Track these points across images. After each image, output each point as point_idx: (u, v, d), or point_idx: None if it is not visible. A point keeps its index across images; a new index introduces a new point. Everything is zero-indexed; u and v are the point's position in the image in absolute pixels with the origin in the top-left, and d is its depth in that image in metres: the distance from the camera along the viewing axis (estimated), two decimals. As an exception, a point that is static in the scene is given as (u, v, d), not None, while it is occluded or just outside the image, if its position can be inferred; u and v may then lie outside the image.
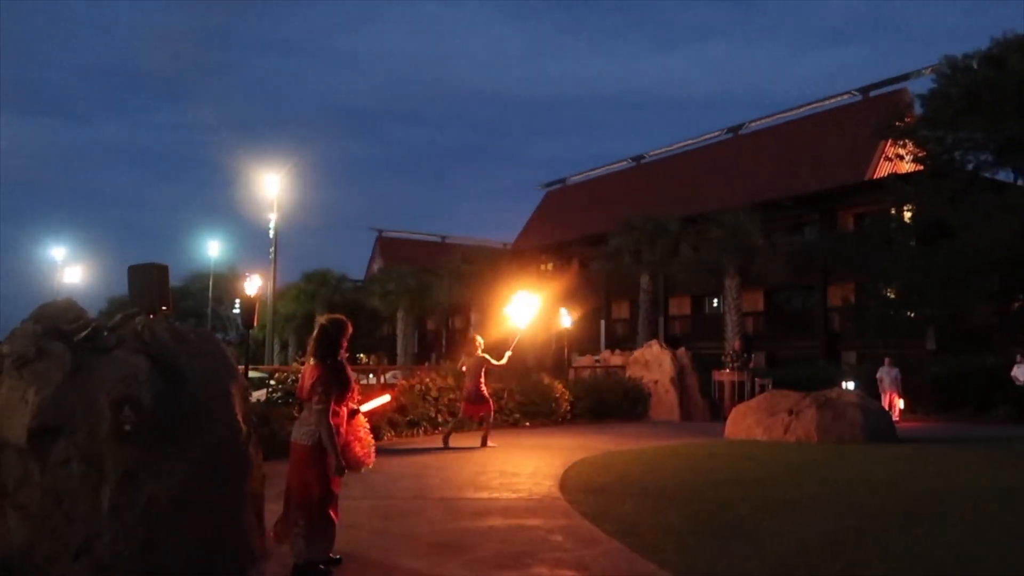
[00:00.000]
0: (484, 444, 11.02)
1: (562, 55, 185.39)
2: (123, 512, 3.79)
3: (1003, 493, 7.65)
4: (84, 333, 4.17)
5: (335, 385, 4.33)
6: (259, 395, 11.04)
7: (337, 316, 4.66)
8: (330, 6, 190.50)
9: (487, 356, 11.26)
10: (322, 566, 4.38)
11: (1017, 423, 16.98)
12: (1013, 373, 17.72)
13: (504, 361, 11.48)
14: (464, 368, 11.54)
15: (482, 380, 11.12)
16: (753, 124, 40.21)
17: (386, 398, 5.34)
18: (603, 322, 33.39)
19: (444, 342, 46.24)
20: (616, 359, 21.50)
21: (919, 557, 5.02)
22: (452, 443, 11.01)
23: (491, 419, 11.42)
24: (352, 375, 4.58)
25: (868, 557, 4.99)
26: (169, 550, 3.87)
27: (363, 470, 4.66)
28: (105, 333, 4.24)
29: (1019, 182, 22.47)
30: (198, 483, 4.05)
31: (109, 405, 3.86)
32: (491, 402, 11.38)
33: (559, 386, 15.80)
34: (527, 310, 11.97)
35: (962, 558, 5.00)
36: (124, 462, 3.85)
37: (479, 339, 11.48)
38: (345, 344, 4.51)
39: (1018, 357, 18.27)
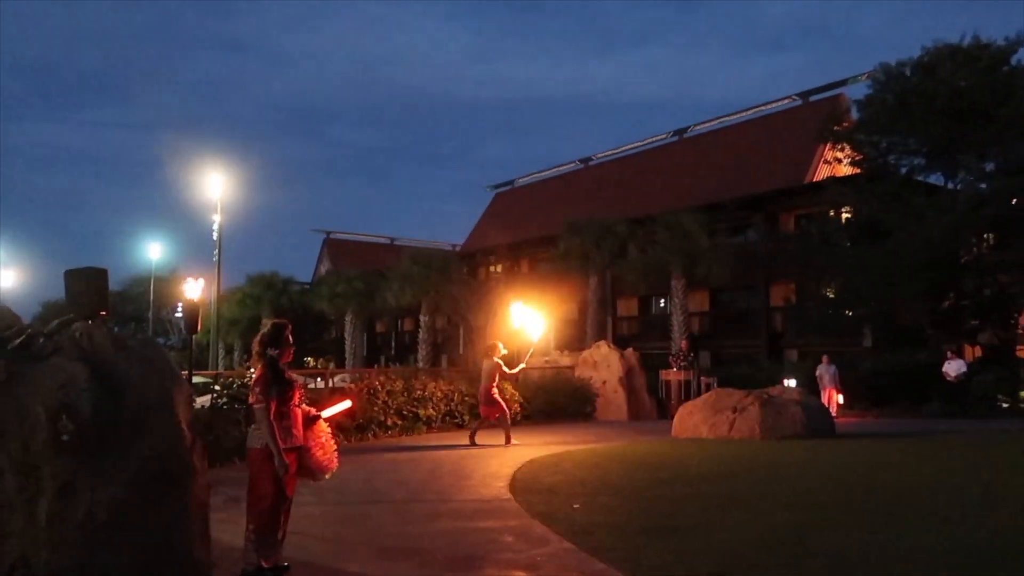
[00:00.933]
0: (508, 442, 11.67)
1: (508, 57, 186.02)
2: (61, 525, 3.68)
3: (936, 485, 7.97)
4: (18, 340, 4.03)
5: (272, 385, 4.34)
6: (203, 401, 10.81)
7: (277, 319, 4.72)
8: (274, 5, 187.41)
9: (501, 363, 11.97)
10: (270, 573, 4.33)
11: (948, 417, 17.68)
12: (944, 368, 18.43)
13: (517, 371, 12.58)
14: (481, 370, 12.31)
15: (495, 384, 11.88)
16: (697, 127, 40.97)
17: (347, 403, 5.29)
18: (552, 323, 33.59)
19: (394, 344, 45.90)
20: (565, 360, 21.65)
21: (858, 548, 5.20)
22: (451, 440, 12.07)
23: (507, 420, 12.12)
24: (296, 376, 4.58)
25: (810, 550, 5.15)
26: (109, 563, 3.77)
27: (327, 476, 4.63)
28: (41, 340, 4.10)
29: (949, 185, 23.38)
30: (139, 493, 3.95)
31: (46, 414, 3.74)
32: (502, 404, 12.11)
33: (509, 387, 15.84)
34: (538, 324, 12.60)
35: (899, 548, 5.19)
36: (62, 473, 3.74)
37: (501, 346, 12.24)
38: (285, 345, 4.53)
39: (948, 353, 19.01)
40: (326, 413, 4.74)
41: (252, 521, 4.28)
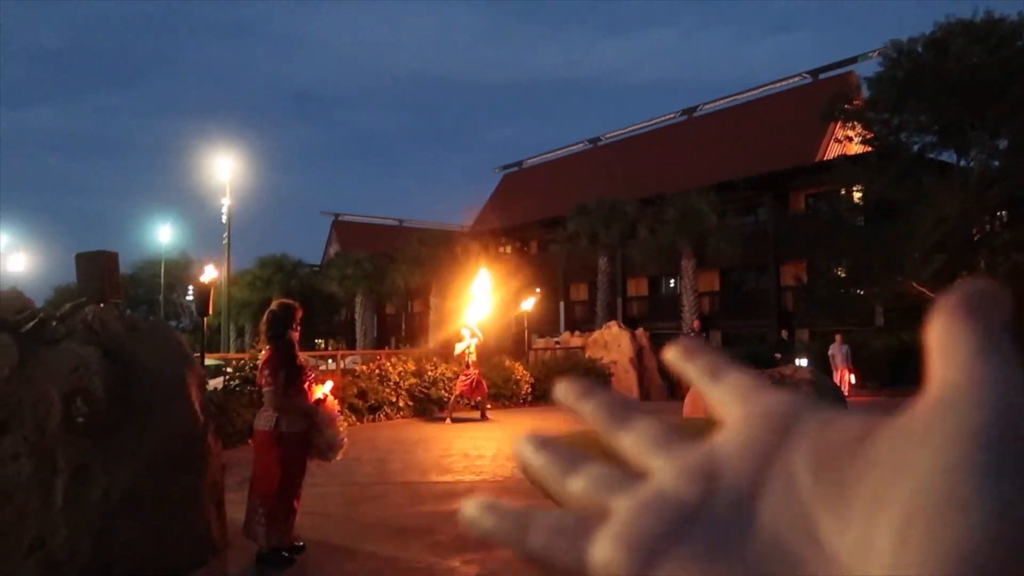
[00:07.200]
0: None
1: (516, 41, 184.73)
2: (77, 507, 3.71)
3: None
4: (31, 324, 4.05)
5: (282, 366, 4.33)
6: (216, 383, 10.87)
7: (285, 300, 4.68)
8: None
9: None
10: (285, 553, 4.36)
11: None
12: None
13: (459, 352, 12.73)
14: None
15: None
16: (706, 107, 40.62)
17: (330, 384, 4.77)
18: (562, 304, 33.58)
19: (404, 326, 46.02)
20: (576, 340, 21.66)
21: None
22: (464, 420, 12.37)
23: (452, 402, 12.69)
24: (303, 357, 4.57)
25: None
26: (125, 543, 3.81)
27: (338, 456, 4.62)
28: (54, 323, 4.13)
29: (961, 163, 23.10)
30: (153, 475, 3.98)
31: (60, 398, 3.76)
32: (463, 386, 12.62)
33: (520, 368, 15.89)
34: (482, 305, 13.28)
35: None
36: (77, 456, 3.77)
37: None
38: (295, 326, 4.51)
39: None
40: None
41: (262, 504, 4.29)
